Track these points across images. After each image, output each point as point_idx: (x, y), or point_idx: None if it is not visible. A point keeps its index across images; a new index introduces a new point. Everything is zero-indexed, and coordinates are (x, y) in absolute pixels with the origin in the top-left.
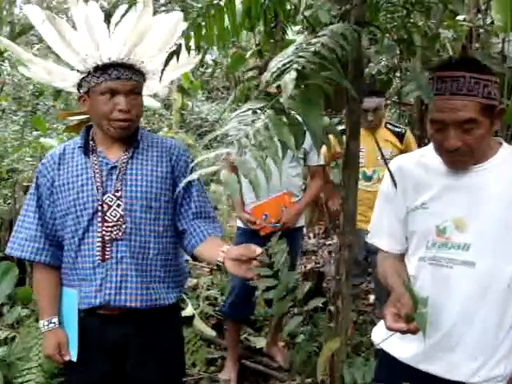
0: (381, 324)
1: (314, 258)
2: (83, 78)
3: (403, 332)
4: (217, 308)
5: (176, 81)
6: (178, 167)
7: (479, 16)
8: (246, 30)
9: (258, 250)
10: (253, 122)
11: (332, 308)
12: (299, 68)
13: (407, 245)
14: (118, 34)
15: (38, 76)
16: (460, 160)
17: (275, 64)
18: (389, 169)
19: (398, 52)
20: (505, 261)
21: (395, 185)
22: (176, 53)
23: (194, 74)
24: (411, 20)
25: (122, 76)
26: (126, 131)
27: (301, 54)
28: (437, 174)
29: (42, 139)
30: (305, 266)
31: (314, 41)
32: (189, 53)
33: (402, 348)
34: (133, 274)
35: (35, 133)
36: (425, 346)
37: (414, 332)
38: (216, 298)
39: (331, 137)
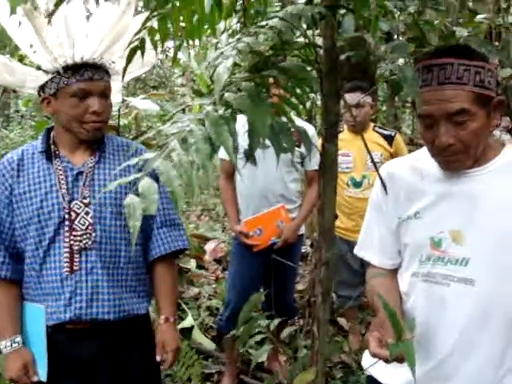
0: None
1: None
2: (50, 78)
3: (387, 361)
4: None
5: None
6: None
7: (500, 15)
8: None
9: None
10: (190, 120)
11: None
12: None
13: (400, 259)
14: (96, 33)
15: None
16: (454, 160)
17: (215, 53)
18: (379, 174)
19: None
20: (509, 282)
21: (386, 191)
22: (139, 48)
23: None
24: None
25: (95, 77)
26: (99, 133)
27: (244, 38)
28: (432, 180)
29: None
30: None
31: (263, 23)
32: (155, 49)
33: (392, 374)
34: (104, 284)
35: None
36: (416, 374)
37: (399, 361)
38: (218, 309)
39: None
